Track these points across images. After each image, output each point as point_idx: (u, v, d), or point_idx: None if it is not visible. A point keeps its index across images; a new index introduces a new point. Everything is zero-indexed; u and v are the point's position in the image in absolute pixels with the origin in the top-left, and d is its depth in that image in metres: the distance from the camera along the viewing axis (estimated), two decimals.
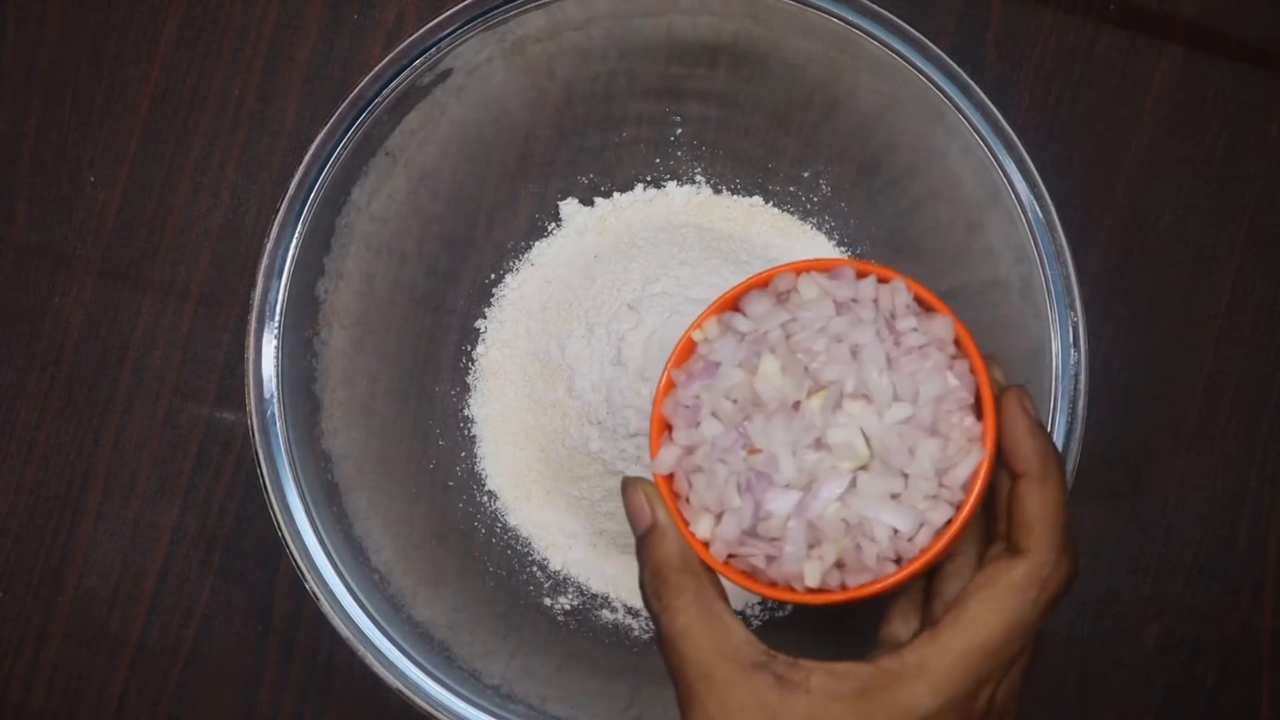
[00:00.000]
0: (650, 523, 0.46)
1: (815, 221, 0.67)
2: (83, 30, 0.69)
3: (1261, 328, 0.69)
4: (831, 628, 0.56)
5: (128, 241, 0.69)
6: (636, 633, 0.65)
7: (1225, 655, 0.68)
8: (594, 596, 0.65)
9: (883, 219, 0.65)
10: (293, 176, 0.57)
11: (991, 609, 0.42)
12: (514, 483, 0.66)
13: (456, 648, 0.59)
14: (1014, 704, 0.44)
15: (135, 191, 0.69)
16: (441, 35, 0.58)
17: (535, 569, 0.66)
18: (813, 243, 0.67)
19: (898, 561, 0.44)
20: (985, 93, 0.57)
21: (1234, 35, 0.69)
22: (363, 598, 0.57)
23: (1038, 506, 0.43)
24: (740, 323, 0.47)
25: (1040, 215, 0.56)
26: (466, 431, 0.67)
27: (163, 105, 0.69)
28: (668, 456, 0.47)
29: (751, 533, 0.45)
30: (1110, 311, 0.68)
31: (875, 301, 0.46)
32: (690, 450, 0.47)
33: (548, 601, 0.65)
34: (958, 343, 0.46)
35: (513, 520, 0.66)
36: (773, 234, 0.67)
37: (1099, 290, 0.68)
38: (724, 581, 0.46)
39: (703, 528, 0.46)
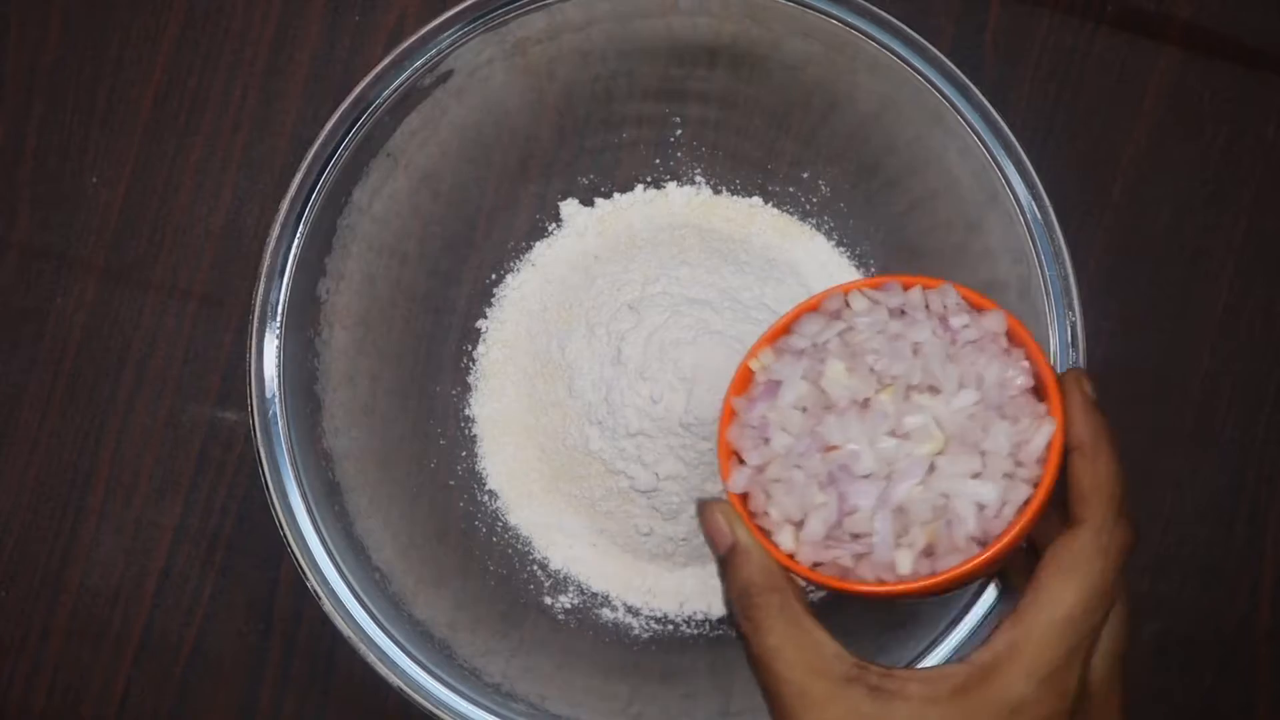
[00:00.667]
0: (731, 543, 0.45)
1: (815, 222, 0.67)
2: (85, 32, 0.69)
3: (1259, 328, 0.69)
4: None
5: (130, 242, 0.69)
6: (636, 631, 0.65)
7: (1222, 654, 0.68)
8: (594, 595, 0.65)
9: (881, 220, 0.65)
10: (294, 177, 0.57)
11: (1064, 582, 0.42)
12: (514, 482, 0.66)
13: (457, 646, 0.59)
14: (1116, 686, 0.44)
15: (137, 192, 0.69)
16: (442, 37, 0.57)
17: (535, 568, 0.66)
18: (812, 243, 0.67)
19: (983, 544, 0.44)
20: (983, 94, 0.57)
21: (1231, 36, 0.69)
22: (364, 597, 0.57)
23: (1090, 477, 0.44)
24: (797, 341, 0.48)
25: (1038, 216, 0.56)
26: (467, 431, 0.67)
27: (164, 106, 0.69)
28: (740, 477, 0.47)
29: (837, 531, 0.45)
30: (1108, 312, 0.68)
31: (926, 306, 0.47)
32: (761, 469, 0.47)
33: (548, 600, 0.65)
34: (1011, 336, 0.46)
35: (513, 519, 0.66)
36: (772, 234, 0.67)
37: (1097, 291, 0.68)
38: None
39: (786, 538, 0.46)
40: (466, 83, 0.60)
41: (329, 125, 0.57)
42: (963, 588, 0.46)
